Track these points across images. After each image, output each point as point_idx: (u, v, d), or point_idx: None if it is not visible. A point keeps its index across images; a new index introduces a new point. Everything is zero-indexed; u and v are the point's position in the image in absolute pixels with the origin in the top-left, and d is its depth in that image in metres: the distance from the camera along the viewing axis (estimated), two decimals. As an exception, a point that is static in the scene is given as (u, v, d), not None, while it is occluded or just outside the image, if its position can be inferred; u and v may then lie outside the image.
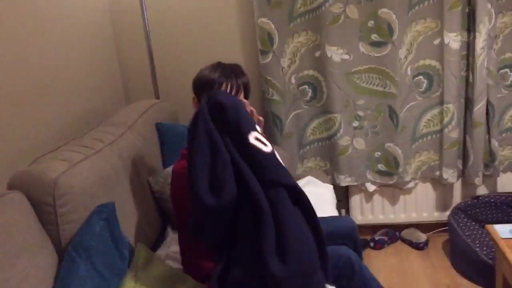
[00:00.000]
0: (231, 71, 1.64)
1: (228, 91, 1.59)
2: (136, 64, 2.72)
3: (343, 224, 1.93)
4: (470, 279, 2.41)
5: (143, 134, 2.11)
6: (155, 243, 1.98)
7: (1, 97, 1.66)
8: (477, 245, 2.34)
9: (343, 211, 2.89)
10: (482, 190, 2.73)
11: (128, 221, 1.77)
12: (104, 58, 2.54)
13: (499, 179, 2.72)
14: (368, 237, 2.83)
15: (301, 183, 2.38)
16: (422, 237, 2.77)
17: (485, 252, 2.28)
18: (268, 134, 2.68)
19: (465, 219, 2.54)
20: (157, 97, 2.68)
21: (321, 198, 2.32)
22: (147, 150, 2.09)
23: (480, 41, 2.38)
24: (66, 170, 1.51)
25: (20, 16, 1.81)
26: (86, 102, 2.28)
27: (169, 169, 2.11)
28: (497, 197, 2.64)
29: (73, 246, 1.33)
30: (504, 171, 2.69)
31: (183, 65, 2.72)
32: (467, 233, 2.43)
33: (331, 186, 2.45)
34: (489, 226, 1.87)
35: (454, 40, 2.42)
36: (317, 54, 2.56)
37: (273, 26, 2.49)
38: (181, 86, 2.74)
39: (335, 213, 2.31)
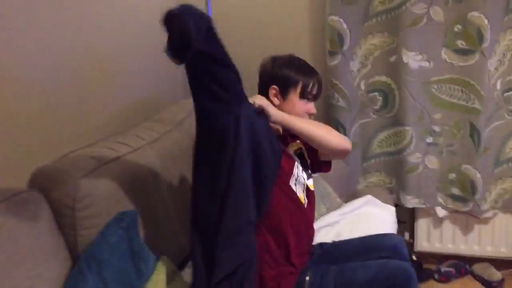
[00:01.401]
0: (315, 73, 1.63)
1: (311, 94, 1.59)
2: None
3: (389, 238, 1.68)
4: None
5: (191, 134, 1.96)
6: (190, 254, 1.84)
7: (52, 81, 1.59)
8: None
9: (406, 234, 2.60)
10: None
11: (161, 231, 1.64)
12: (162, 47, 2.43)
13: None
14: (433, 267, 2.53)
15: (359, 202, 2.13)
16: (497, 275, 2.42)
17: None
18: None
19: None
20: (215, 94, 2.54)
21: (380, 221, 2.06)
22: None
23: None
24: (94, 169, 1.40)
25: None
26: (138, 92, 2.18)
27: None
28: None
29: (84, 256, 1.21)
30: None
31: (245, 61, 2.54)
32: (552, 280, 2.07)
33: (393, 208, 2.19)
34: None
35: (557, 53, 2.06)
36: (392, 59, 2.29)
37: (344, 26, 2.26)
38: (244, 81, 2.57)
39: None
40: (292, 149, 1.64)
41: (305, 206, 1.56)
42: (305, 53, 2.48)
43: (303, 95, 1.58)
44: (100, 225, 1.34)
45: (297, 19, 2.44)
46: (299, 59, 1.65)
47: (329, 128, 1.58)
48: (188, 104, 2.13)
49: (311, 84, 1.59)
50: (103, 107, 1.92)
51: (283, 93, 1.58)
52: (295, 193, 1.52)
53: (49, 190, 1.29)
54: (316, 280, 1.47)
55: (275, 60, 1.62)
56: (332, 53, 2.30)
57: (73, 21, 1.73)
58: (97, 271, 1.18)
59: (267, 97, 1.56)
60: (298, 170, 1.56)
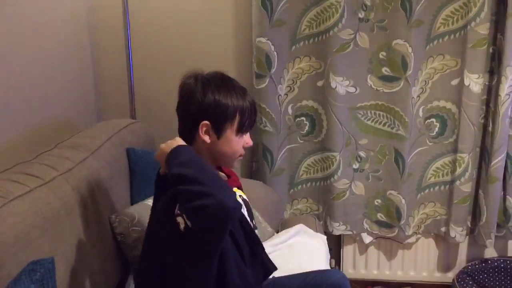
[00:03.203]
0: (249, 96, 1.36)
1: (250, 125, 1.36)
2: (113, 77, 2.38)
3: (330, 275, 1.58)
4: None
5: (109, 161, 1.75)
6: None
7: None
8: (488, 320, 2.02)
9: (332, 261, 2.55)
10: (490, 253, 2.43)
11: (78, 273, 1.41)
12: (76, 65, 2.19)
13: (510, 242, 2.42)
14: (359, 294, 2.50)
15: (291, 232, 2.04)
16: (420, 299, 2.45)
17: (497, 330, 1.97)
18: (257, 168, 2.35)
19: (473, 286, 2.23)
20: (133, 117, 2.33)
21: (314, 251, 1.98)
22: (112, 182, 1.73)
23: (506, 87, 2.10)
24: (-3, 209, 1.15)
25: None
26: (47, 115, 1.93)
27: (137, 206, 1.76)
28: (508, 262, 2.35)
29: (-13, 320, 0.97)
30: (517, 233, 2.39)
31: (165, 83, 2.38)
32: (475, 304, 2.12)
33: (325, 237, 2.12)
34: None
35: (475, 82, 2.14)
36: (320, 83, 2.26)
37: (272, 48, 2.18)
38: (162, 106, 2.39)
39: (327, 267, 1.98)
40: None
41: None
42: (230, 75, 2.38)
43: (240, 130, 1.32)
44: (6, 278, 1.09)
45: (223, 40, 2.33)
46: (229, 80, 1.36)
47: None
48: (104, 128, 1.94)
49: (247, 114, 1.32)
50: (5, 130, 1.65)
51: (217, 130, 1.30)
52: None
53: None
54: None
55: (203, 84, 1.29)
56: (259, 76, 2.22)
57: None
58: None
59: (193, 133, 1.30)
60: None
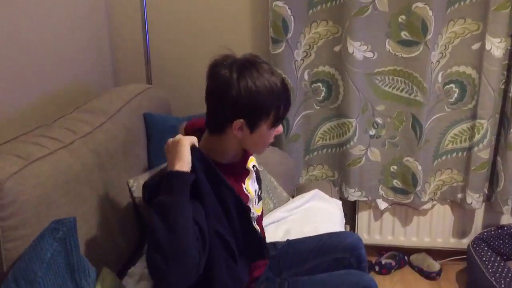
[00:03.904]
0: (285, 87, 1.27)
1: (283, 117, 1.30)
2: (130, 42, 2.37)
3: (345, 237, 1.60)
4: (490, 322, 2.11)
5: (127, 126, 1.77)
6: (130, 259, 1.65)
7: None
8: (502, 285, 2.03)
9: (347, 227, 2.57)
10: (506, 219, 2.42)
11: (98, 235, 1.45)
12: (92, 31, 2.18)
13: (527, 208, 2.41)
14: (373, 260, 2.52)
15: (306, 197, 2.05)
16: (435, 265, 2.46)
17: (511, 295, 1.98)
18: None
19: (488, 252, 2.23)
20: (149, 82, 2.34)
21: (329, 216, 2.00)
22: (130, 146, 1.76)
23: (528, 51, 2.05)
24: (19, 170, 1.18)
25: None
26: (64, 80, 1.94)
27: (154, 171, 1.78)
28: (524, 228, 2.34)
29: (13, 275, 1.00)
30: (534, 200, 2.37)
31: (182, 49, 2.38)
32: (490, 270, 2.12)
33: (340, 202, 2.13)
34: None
35: (497, 46, 2.09)
36: (337, 48, 2.23)
37: (289, 12, 2.15)
38: (178, 72, 2.40)
39: (342, 232, 2.00)
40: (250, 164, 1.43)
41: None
42: (246, 40, 2.36)
43: (274, 124, 1.27)
44: (29, 237, 1.13)
45: (239, 4, 2.30)
46: (264, 67, 1.23)
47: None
48: (121, 93, 1.94)
49: (282, 108, 1.25)
50: (21, 96, 1.67)
51: (251, 126, 1.23)
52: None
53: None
54: None
55: (238, 76, 1.18)
56: (275, 41, 2.19)
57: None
58: (29, 293, 0.98)
59: (224, 127, 1.24)
60: (253, 205, 1.39)
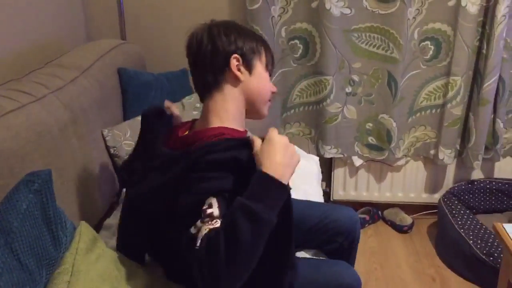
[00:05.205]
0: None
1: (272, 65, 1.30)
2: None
3: (344, 215, 1.58)
4: (458, 272, 2.20)
5: (100, 81, 1.74)
6: (106, 213, 1.66)
7: None
8: (470, 237, 2.11)
9: (323, 184, 2.61)
10: (477, 174, 2.50)
11: (73, 188, 1.44)
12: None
13: (497, 164, 2.48)
14: (348, 215, 2.58)
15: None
16: (407, 219, 2.54)
17: (478, 246, 2.06)
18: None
19: (458, 206, 2.30)
20: (123, 38, 2.29)
21: (306, 172, 2.02)
22: (104, 101, 1.73)
23: (503, 7, 2.06)
24: (-10, 122, 1.15)
25: None
26: (33, 33, 1.87)
27: (130, 122, 1.77)
28: (493, 183, 2.42)
29: (-12, 226, 0.99)
30: (504, 155, 2.45)
31: (157, 2, 2.32)
32: (459, 222, 2.19)
33: (317, 158, 2.16)
34: (497, 225, 1.63)
35: (472, 3, 2.10)
36: (314, 4, 2.20)
37: (266, -35, 2.11)
38: (153, 27, 2.34)
39: (320, 189, 2.03)
40: None
41: None
42: (223, -4, 2.31)
43: (268, 64, 1.25)
44: (4, 188, 1.11)
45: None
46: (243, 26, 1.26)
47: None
48: (94, 48, 1.90)
49: (270, 49, 1.26)
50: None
51: (248, 65, 1.20)
52: None
53: None
54: None
55: (224, 30, 1.19)
56: (252, -4, 2.15)
57: None
58: (5, 242, 0.97)
59: (219, 81, 1.19)
60: None
